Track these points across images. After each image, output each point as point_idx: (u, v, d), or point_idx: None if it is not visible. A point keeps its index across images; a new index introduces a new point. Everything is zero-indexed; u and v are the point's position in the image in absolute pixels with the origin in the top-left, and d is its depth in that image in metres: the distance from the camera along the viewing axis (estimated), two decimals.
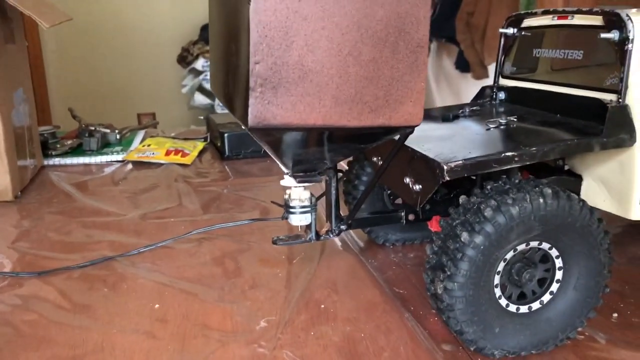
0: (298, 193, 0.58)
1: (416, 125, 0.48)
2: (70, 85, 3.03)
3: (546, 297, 0.53)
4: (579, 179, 0.61)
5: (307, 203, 0.58)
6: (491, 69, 3.55)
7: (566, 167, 0.64)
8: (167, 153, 1.17)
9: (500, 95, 0.72)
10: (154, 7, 3.09)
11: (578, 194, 0.61)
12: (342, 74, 0.45)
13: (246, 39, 0.43)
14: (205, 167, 1.13)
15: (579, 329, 0.54)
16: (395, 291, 0.64)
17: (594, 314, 0.53)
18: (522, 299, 0.53)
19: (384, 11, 0.45)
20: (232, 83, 0.50)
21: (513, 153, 0.51)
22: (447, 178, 0.50)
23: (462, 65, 4.10)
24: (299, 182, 0.56)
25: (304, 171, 0.56)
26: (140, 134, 1.34)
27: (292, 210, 0.58)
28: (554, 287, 0.53)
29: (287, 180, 0.57)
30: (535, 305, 0.53)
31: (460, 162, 0.50)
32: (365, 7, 0.44)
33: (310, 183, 0.57)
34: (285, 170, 0.56)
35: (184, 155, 1.17)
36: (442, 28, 4.26)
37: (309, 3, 0.43)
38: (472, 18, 4.04)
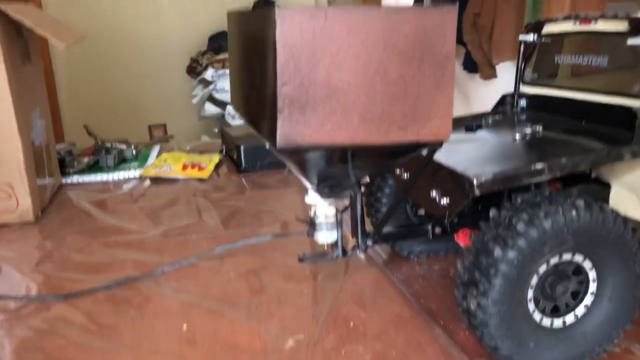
0: (324, 210, 0.58)
1: (444, 141, 0.47)
2: (80, 99, 3.05)
3: (580, 311, 0.52)
4: (607, 186, 0.61)
5: (332, 220, 0.58)
6: (499, 68, 3.54)
7: (593, 175, 0.63)
8: (184, 167, 1.17)
9: (521, 102, 0.72)
10: (162, 19, 3.10)
11: (606, 201, 0.60)
12: (369, 92, 0.45)
13: (272, 60, 0.43)
14: (222, 180, 1.13)
15: (615, 341, 0.53)
16: (423, 305, 0.63)
17: (631, 326, 0.52)
18: (555, 312, 0.52)
19: (410, 27, 0.44)
20: (257, 103, 0.49)
21: (543, 165, 0.50)
22: (478, 193, 0.49)
23: (470, 65, 4.10)
24: (324, 199, 0.56)
25: (329, 188, 0.55)
26: (156, 149, 1.34)
27: (318, 227, 0.58)
28: (588, 299, 0.52)
29: (312, 197, 0.57)
30: (570, 319, 0.52)
31: (491, 176, 0.49)
32: (391, 24, 0.44)
33: (336, 199, 0.56)
34: (311, 187, 0.56)
35: (200, 169, 1.17)
36: None
37: (334, 22, 0.43)
38: (479, 19, 4.04)
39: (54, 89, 2.94)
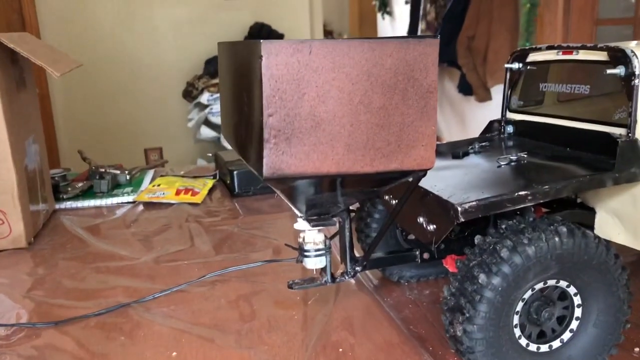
0: (312, 236, 0.58)
1: (428, 169, 0.48)
2: (77, 123, 3.07)
3: (566, 335, 0.52)
4: (592, 212, 0.61)
5: (321, 246, 0.58)
6: (494, 91, 3.57)
7: (579, 200, 0.64)
8: (177, 192, 1.18)
9: (508, 129, 0.73)
10: (159, 43, 3.14)
11: (592, 227, 0.61)
12: (354, 122, 0.46)
13: (258, 91, 0.44)
14: (215, 205, 1.13)
15: None
16: (412, 331, 0.63)
17: (616, 351, 0.53)
18: (541, 337, 0.53)
19: (393, 60, 0.45)
20: (245, 132, 0.50)
21: (526, 192, 0.51)
22: (462, 219, 0.50)
23: (465, 88, 4.14)
24: (313, 225, 0.56)
25: (317, 215, 0.56)
26: (150, 174, 1.35)
27: (306, 253, 0.58)
28: (574, 324, 0.52)
29: (301, 224, 0.57)
30: (556, 343, 0.52)
31: (474, 203, 0.50)
32: (374, 57, 0.45)
33: (324, 226, 0.57)
34: (299, 214, 0.56)
35: (194, 194, 1.18)
36: (444, 52, 4.32)
37: (319, 55, 0.44)
38: (473, 42, 4.09)
39: (51, 115, 2.96)
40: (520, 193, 0.51)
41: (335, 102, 0.45)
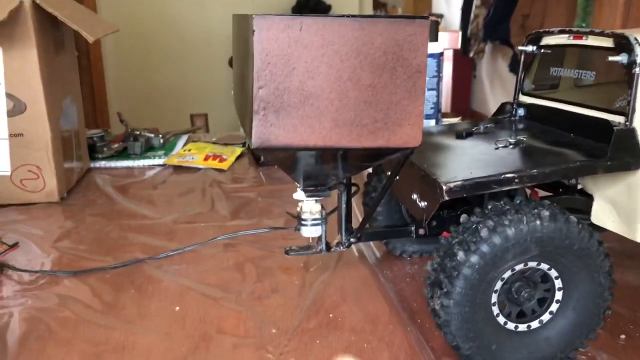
0: (309, 206, 0.61)
1: (415, 147, 0.50)
2: (127, 86, 3.16)
3: (546, 317, 0.54)
4: (590, 198, 0.62)
5: (317, 216, 0.61)
6: None
7: (580, 187, 0.64)
8: (206, 158, 1.22)
9: (519, 111, 0.73)
10: (207, 11, 3.18)
11: (589, 213, 0.62)
12: (342, 98, 0.47)
13: (252, 64, 0.46)
14: (240, 172, 1.17)
15: (581, 350, 0.54)
16: (404, 304, 0.65)
17: (595, 336, 0.54)
18: (522, 317, 0.54)
19: (383, 39, 0.47)
20: (244, 104, 0.53)
21: (513, 175, 0.52)
22: (447, 198, 0.51)
23: (516, 67, 4.02)
24: (308, 196, 0.59)
25: (313, 186, 0.59)
26: (183, 139, 1.39)
27: (303, 222, 0.61)
28: (554, 307, 0.53)
29: (299, 194, 0.60)
30: (535, 324, 0.54)
31: (460, 182, 0.51)
32: (364, 35, 0.46)
33: (320, 197, 0.59)
34: (298, 185, 0.59)
35: (221, 160, 1.22)
36: (496, 30, 4.20)
37: (309, 32, 0.46)
38: (528, 20, 3.97)
39: (103, 78, 3.06)
40: (507, 175, 0.52)
41: (324, 78, 0.47)
